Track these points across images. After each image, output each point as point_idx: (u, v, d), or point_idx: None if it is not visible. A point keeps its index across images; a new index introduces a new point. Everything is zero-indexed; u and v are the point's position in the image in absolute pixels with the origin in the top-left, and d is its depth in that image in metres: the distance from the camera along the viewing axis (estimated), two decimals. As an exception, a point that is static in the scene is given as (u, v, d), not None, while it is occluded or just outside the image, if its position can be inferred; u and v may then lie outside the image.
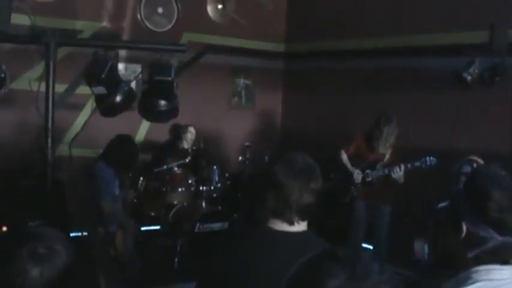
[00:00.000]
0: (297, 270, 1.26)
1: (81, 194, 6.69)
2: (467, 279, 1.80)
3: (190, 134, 7.61)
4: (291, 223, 2.26)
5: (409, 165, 5.99)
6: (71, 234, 6.86)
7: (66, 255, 1.76)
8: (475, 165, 4.98)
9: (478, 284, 1.77)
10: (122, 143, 5.37)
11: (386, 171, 6.13)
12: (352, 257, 1.23)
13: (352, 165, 6.40)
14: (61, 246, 1.76)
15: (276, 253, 2.23)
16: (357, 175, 6.32)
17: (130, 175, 6.69)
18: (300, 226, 2.28)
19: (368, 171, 6.28)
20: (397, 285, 1.20)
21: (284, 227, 2.27)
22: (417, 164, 5.95)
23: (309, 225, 2.34)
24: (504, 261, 1.79)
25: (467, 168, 4.97)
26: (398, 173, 6.03)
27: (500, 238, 1.77)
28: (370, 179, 6.27)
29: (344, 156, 6.44)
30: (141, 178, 7.04)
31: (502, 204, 1.76)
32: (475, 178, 1.90)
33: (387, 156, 6.23)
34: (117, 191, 5.37)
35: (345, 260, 1.22)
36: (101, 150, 5.95)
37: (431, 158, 5.87)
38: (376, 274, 1.19)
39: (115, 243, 5.20)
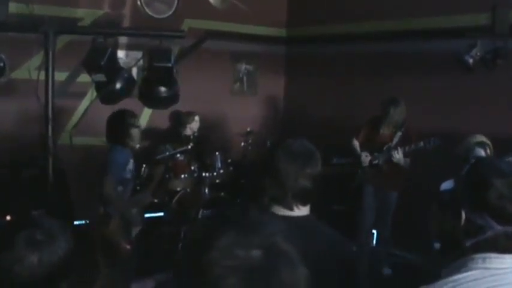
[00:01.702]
0: (190, 236, 1.26)
1: (84, 182, 6.70)
2: (462, 267, 1.78)
3: (195, 122, 7.62)
4: (290, 208, 2.27)
5: (412, 146, 6.00)
6: (75, 223, 6.90)
7: (65, 243, 1.76)
8: (488, 150, 4.91)
9: (472, 272, 1.75)
10: (123, 118, 5.19)
11: (388, 153, 6.15)
12: (240, 214, 1.23)
13: (362, 149, 6.43)
14: (60, 233, 1.76)
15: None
16: (365, 157, 6.35)
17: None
18: (301, 211, 2.29)
19: (375, 154, 6.30)
20: (289, 237, 1.20)
21: (285, 211, 2.28)
22: (421, 145, 5.96)
23: (315, 210, 2.34)
24: (505, 250, 1.76)
25: (479, 152, 4.90)
26: (396, 155, 6.05)
27: (498, 227, 1.74)
28: (377, 161, 6.29)
29: (356, 143, 6.49)
30: (144, 165, 7.03)
31: (503, 192, 1.74)
32: (476, 165, 1.87)
33: (395, 139, 6.23)
34: (127, 175, 5.19)
35: (233, 218, 1.22)
36: (102, 138, 5.90)
37: (434, 139, 5.87)
38: (267, 226, 1.19)
39: (109, 226, 5.05)
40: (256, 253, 1.12)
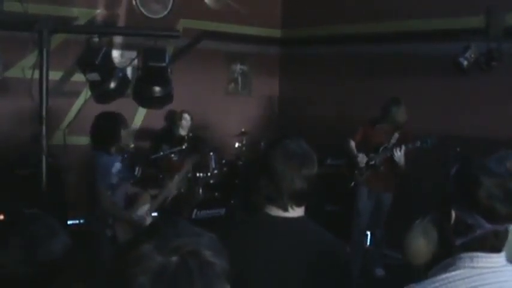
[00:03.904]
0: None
1: (78, 182, 6.68)
2: (450, 266, 1.79)
3: (185, 121, 7.60)
4: (285, 209, 2.25)
5: (410, 146, 6.02)
6: (68, 222, 6.88)
7: (65, 239, 1.76)
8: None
9: (459, 271, 1.77)
10: (107, 121, 5.07)
11: (388, 153, 6.15)
12: (164, 223, 1.24)
13: (358, 151, 6.42)
14: (60, 230, 1.77)
15: (272, 238, 2.24)
16: (361, 158, 6.33)
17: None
18: (295, 212, 2.27)
19: (372, 154, 6.30)
20: (215, 247, 1.20)
21: (279, 212, 2.26)
22: (417, 143, 5.97)
23: (309, 211, 2.34)
24: (493, 249, 1.78)
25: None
26: (398, 153, 6.04)
27: (488, 226, 1.76)
28: (373, 162, 6.29)
29: (352, 144, 6.45)
30: (138, 165, 7.02)
31: (492, 191, 1.75)
32: (465, 165, 1.89)
33: (393, 140, 6.23)
34: (112, 180, 5.04)
35: (159, 225, 1.24)
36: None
37: (432, 137, 5.90)
38: (191, 236, 1.19)
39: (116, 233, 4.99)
40: (173, 259, 1.13)
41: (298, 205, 2.28)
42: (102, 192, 4.91)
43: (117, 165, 5.10)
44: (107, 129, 4.99)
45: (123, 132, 5.05)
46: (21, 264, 1.67)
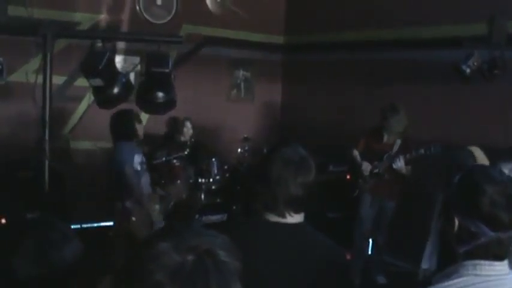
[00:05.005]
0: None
1: (81, 186, 6.69)
2: (453, 274, 1.80)
3: (187, 128, 7.62)
4: (282, 215, 2.25)
5: (413, 153, 6.00)
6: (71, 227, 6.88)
7: (74, 244, 1.77)
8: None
9: (463, 279, 1.77)
10: (122, 118, 5.26)
11: (392, 160, 6.14)
12: (179, 224, 1.28)
13: (361, 159, 6.41)
14: (69, 235, 1.77)
15: (270, 244, 2.24)
16: (366, 166, 6.33)
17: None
18: (294, 218, 2.27)
19: (376, 162, 6.29)
20: (229, 248, 1.23)
21: (278, 218, 2.26)
22: (421, 151, 5.96)
23: (311, 218, 2.33)
24: (496, 257, 1.79)
25: (468, 161, 4.88)
26: (398, 163, 6.03)
27: (491, 233, 1.76)
28: (377, 170, 6.28)
29: (356, 153, 6.46)
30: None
31: (495, 199, 1.76)
32: (468, 173, 1.89)
33: (395, 148, 6.23)
34: (136, 167, 5.20)
35: (174, 226, 1.27)
36: (99, 142, 5.89)
37: (435, 145, 5.88)
38: (206, 236, 1.23)
39: (131, 219, 4.95)
40: (189, 257, 1.16)
41: (296, 212, 2.27)
42: (129, 169, 5.06)
43: (139, 157, 5.27)
44: (124, 125, 5.23)
45: (138, 126, 5.30)
46: (33, 267, 1.68)
